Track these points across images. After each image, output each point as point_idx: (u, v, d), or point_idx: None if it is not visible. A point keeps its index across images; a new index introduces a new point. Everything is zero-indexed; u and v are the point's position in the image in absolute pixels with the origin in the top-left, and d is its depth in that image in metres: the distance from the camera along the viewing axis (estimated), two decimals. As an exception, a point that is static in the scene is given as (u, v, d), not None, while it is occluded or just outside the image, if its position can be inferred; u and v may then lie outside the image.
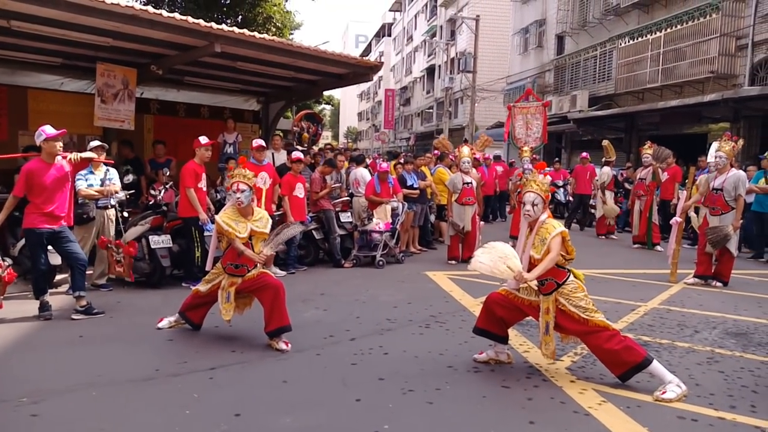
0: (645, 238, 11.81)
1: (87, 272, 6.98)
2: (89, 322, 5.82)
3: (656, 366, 4.26)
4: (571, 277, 4.47)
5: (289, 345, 5.08)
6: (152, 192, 8.21)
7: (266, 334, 5.11)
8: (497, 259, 4.43)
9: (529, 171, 12.04)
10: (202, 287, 5.43)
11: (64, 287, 6.63)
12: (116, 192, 7.28)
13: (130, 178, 8.24)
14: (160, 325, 5.63)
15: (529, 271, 4.40)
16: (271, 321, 5.06)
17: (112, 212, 7.33)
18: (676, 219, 8.67)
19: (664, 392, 4.13)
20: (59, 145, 5.87)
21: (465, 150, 10.17)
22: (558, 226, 4.41)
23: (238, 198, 5.17)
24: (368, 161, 12.54)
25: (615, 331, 4.35)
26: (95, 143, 7.14)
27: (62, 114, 9.75)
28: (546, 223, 4.46)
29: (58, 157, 5.91)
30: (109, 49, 9.25)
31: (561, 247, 4.35)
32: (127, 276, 6.99)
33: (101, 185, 7.13)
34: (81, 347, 5.11)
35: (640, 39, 19.38)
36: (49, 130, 5.78)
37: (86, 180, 7.01)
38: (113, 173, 7.39)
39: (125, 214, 7.61)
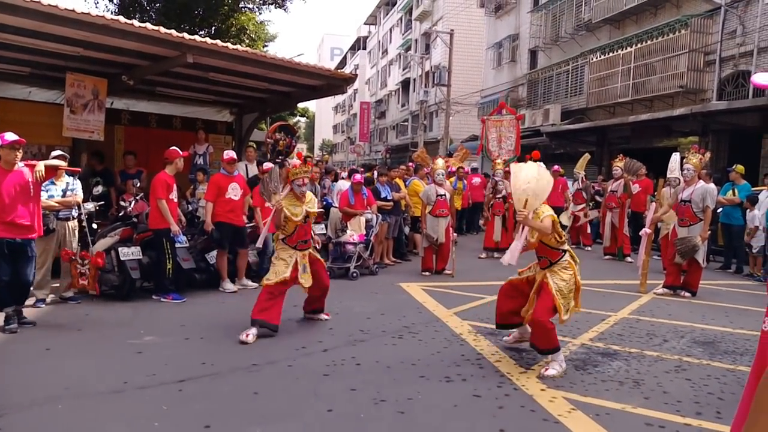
0: (616, 249, 11.97)
1: (53, 285, 6.91)
2: (58, 335, 5.69)
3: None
4: (566, 256, 5.05)
5: (329, 315, 6.44)
6: (121, 203, 8.09)
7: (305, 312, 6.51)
8: (527, 185, 4.95)
9: (501, 183, 12.22)
10: (272, 278, 5.77)
11: (31, 300, 6.50)
12: (78, 203, 7.06)
13: (99, 189, 8.09)
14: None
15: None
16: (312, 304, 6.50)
17: (74, 224, 7.13)
18: (646, 230, 8.81)
19: (547, 369, 4.80)
20: (18, 153, 5.71)
21: (439, 162, 10.23)
22: (547, 210, 5.00)
23: (303, 191, 6.08)
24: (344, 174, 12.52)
25: (553, 326, 4.85)
26: (57, 152, 6.92)
27: (30, 124, 9.55)
28: (538, 209, 5.00)
29: (20, 165, 5.75)
30: (79, 59, 9.12)
31: (553, 230, 4.90)
32: (92, 289, 6.86)
33: (62, 196, 6.87)
34: (48, 360, 5.00)
35: (611, 54, 19.76)
36: (7, 136, 5.62)
37: (47, 191, 6.66)
38: (76, 184, 7.10)
39: (94, 226, 7.48)
